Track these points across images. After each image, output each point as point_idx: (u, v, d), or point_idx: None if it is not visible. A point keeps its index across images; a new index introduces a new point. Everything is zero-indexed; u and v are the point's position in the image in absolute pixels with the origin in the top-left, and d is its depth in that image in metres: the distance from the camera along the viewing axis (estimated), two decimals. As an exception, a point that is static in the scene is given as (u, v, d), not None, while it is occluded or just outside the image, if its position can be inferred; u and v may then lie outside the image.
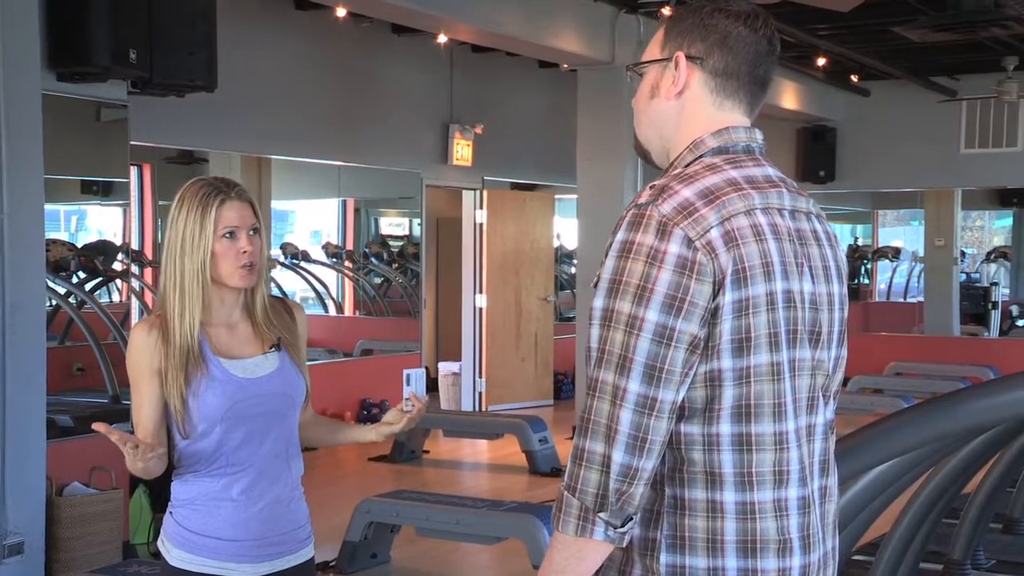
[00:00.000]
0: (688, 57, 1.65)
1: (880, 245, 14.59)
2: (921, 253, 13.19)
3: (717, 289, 1.50)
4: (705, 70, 1.64)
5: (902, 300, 14.22)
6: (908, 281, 14.29)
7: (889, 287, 14.52)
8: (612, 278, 1.51)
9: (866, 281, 14.58)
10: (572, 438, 1.57)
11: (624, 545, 1.52)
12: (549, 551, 1.54)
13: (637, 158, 1.81)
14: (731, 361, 1.52)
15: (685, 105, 1.66)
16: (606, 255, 1.55)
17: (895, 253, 14.27)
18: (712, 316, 1.50)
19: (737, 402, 1.53)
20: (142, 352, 2.31)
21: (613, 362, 1.49)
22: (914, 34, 8.81)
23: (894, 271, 14.45)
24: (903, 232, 15.14)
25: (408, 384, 2.45)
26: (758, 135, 1.67)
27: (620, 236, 1.53)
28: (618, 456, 1.47)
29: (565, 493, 1.51)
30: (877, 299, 14.40)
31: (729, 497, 1.53)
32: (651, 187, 1.57)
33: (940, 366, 10.76)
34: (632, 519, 1.50)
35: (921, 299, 12.98)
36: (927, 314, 12.47)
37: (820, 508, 1.64)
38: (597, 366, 1.51)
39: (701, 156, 1.62)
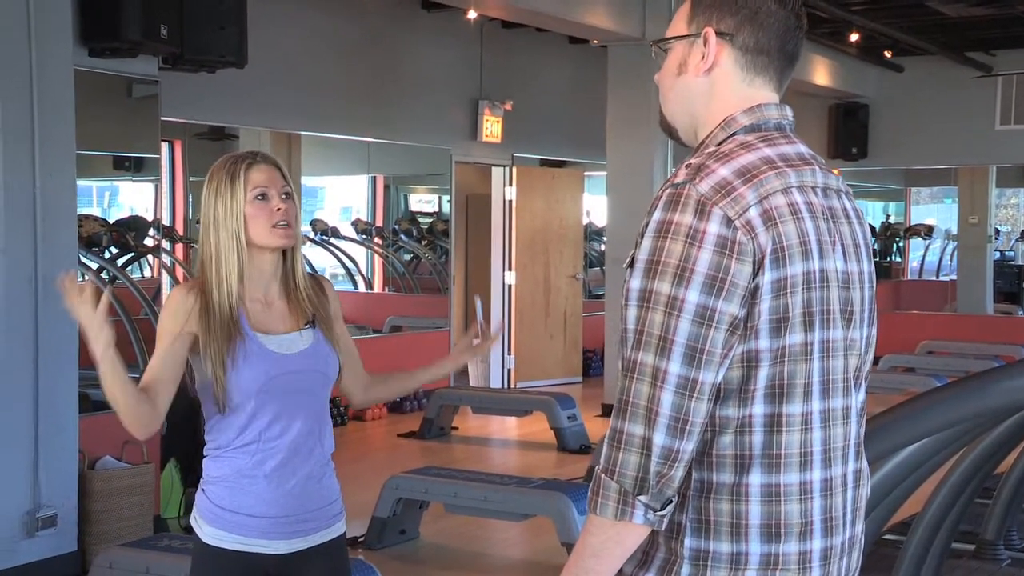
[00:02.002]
0: (718, 33, 1.61)
1: (913, 223, 14.45)
2: (954, 231, 13.05)
3: (757, 269, 1.48)
4: (735, 46, 1.62)
5: (934, 278, 14.09)
6: (941, 259, 14.16)
7: (921, 265, 14.38)
8: (649, 258, 1.49)
9: (898, 259, 14.45)
10: (602, 416, 1.56)
11: (663, 528, 1.50)
12: (584, 534, 1.52)
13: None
14: (768, 341, 1.50)
15: (715, 82, 1.63)
16: (641, 235, 1.52)
17: (928, 231, 14.13)
18: (751, 296, 1.48)
19: (770, 382, 1.52)
20: (176, 313, 2.31)
21: (653, 343, 1.47)
22: (949, 8, 8.69)
23: (927, 249, 14.32)
24: (936, 210, 14.99)
25: (479, 313, 2.47)
26: (789, 112, 1.65)
27: (657, 216, 1.51)
28: (659, 438, 1.45)
29: (603, 476, 1.49)
30: (909, 277, 14.27)
31: (755, 480, 1.52)
32: (686, 166, 1.55)
33: (973, 345, 10.66)
34: (672, 502, 1.49)
35: (954, 277, 12.85)
36: (960, 292, 12.34)
37: (853, 491, 1.62)
38: (635, 347, 1.48)
39: (734, 134, 1.59)
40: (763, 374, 1.51)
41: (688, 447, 1.47)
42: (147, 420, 2.26)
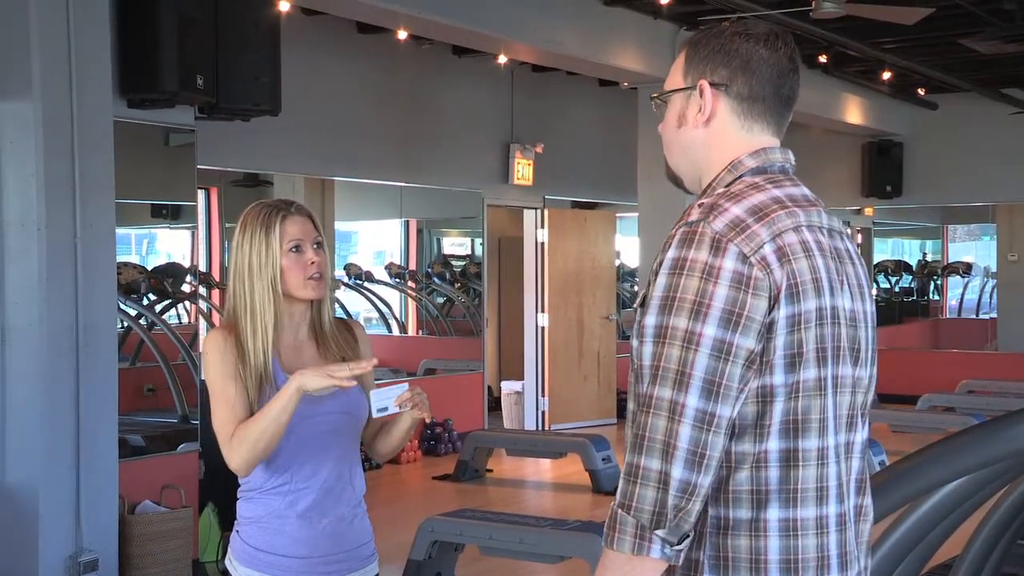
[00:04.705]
0: (712, 84, 1.65)
1: (950, 260, 14.33)
2: (993, 268, 12.93)
3: (772, 304, 1.51)
4: (730, 96, 1.65)
5: (974, 316, 13.94)
6: (980, 297, 14.01)
7: (960, 303, 14.23)
8: (665, 295, 1.52)
9: (936, 297, 14.32)
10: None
11: (680, 563, 1.52)
12: (599, 570, 1.53)
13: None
14: (783, 376, 1.53)
15: (714, 132, 1.66)
16: (655, 273, 1.55)
17: (966, 268, 14.01)
18: (767, 331, 1.51)
19: (785, 417, 1.54)
20: (225, 356, 2.34)
21: (670, 378, 1.49)
22: (982, 46, 8.67)
23: (965, 287, 14.18)
24: (974, 247, 14.85)
25: (383, 409, 2.35)
26: (791, 156, 1.69)
27: (671, 253, 1.54)
28: (677, 472, 1.47)
29: (619, 511, 1.50)
30: (948, 316, 14.13)
31: (773, 515, 1.53)
32: (699, 205, 1.58)
33: (1014, 383, 10.50)
34: (688, 536, 1.50)
35: (994, 315, 12.71)
36: (1000, 330, 12.20)
37: (856, 527, 1.64)
38: (652, 383, 1.50)
39: (741, 176, 1.63)
40: (778, 409, 1.53)
41: (705, 481, 1.49)
42: (269, 455, 2.33)
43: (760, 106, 1.65)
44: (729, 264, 1.50)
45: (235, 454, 2.30)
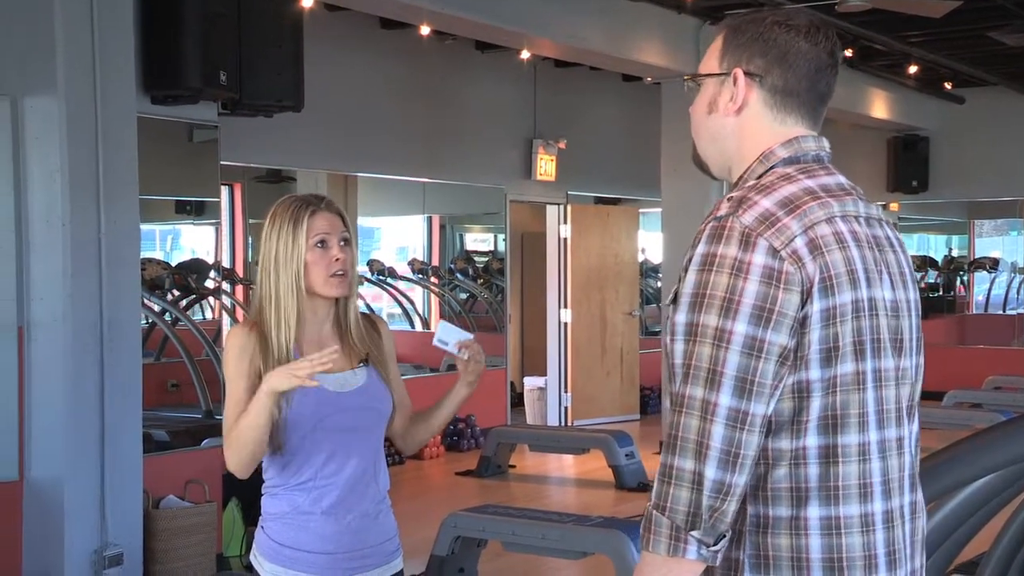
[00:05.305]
0: (747, 73, 1.61)
1: (977, 256, 14.21)
2: (1021, 264, 12.82)
3: (805, 298, 1.48)
4: (764, 88, 1.61)
5: (1001, 312, 13.81)
6: (1007, 293, 13.88)
7: (987, 299, 14.11)
8: (695, 292, 1.49)
9: (962, 293, 14.20)
10: (660, 453, 1.55)
11: (717, 563, 1.49)
12: (638, 571, 1.51)
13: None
14: (819, 371, 1.49)
15: (745, 122, 1.63)
16: (685, 270, 1.53)
17: (993, 264, 13.88)
18: (800, 326, 1.48)
19: (824, 413, 1.51)
20: (243, 351, 2.34)
21: (701, 376, 1.46)
22: (1010, 39, 8.58)
23: (992, 282, 14.05)
24: (1001, 242, 14.72)
25: (444, 343, 2.31)
26: (826, 144, 1.65)
27: (701, 249, 1.51)
28: (710, 472, 1.45)
29: (654, 512, 1.48)
30: (974, 311, 14.01)
31: (814, 512, 1.51)
32: (728, 199, 1.55)
33: (1042, 380, 10.39)
34: (725, 536, 1.47)
35: (1021, 311, 12.60)
36: (1028, 326, 12.08)
37: (910, 524, 1.60)
38: (684, 382, 1.48)
39: (773, 167, 1.60)
40: (816, 405, 1.50)
41: (740, 480, 1.46)
42: (259, 456, 2.33)
43: (794, 100, 1.61)
44: (759, 259, 1.47)
45: (228, 456, 2.32)
